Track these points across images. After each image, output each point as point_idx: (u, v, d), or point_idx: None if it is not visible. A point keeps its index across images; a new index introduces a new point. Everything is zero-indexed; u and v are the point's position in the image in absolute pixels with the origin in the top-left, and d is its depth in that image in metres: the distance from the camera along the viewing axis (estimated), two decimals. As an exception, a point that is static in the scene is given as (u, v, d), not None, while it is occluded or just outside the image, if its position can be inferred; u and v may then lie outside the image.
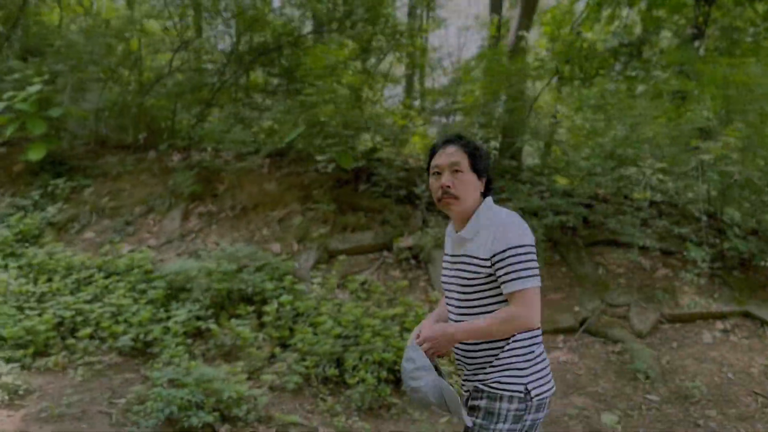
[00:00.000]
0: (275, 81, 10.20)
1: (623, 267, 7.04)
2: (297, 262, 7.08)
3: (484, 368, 2.35)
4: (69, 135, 9.42)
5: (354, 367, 5.38)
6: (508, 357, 2.31)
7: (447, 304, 2.53)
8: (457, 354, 2.48)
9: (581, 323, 6.33)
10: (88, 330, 5.94)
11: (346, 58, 7.94)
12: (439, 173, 2.40)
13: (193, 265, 6.56)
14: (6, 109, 8.25)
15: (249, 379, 5.41)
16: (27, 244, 7.57)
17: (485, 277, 2.30)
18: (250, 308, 6.22)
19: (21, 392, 5.13)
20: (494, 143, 7.30)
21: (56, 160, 9.05)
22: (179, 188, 8.58)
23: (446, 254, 2.56)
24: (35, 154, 8.30)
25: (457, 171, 2.36)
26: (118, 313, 6.21)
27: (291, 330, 6.03)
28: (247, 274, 6.51)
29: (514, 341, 2.31)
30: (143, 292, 6.63)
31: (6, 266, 7.09)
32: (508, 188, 7.18)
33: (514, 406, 2.28)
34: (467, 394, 2.44)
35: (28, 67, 8.54)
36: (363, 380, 5.23)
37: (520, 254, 2.23)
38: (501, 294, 2.30)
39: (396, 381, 5.47)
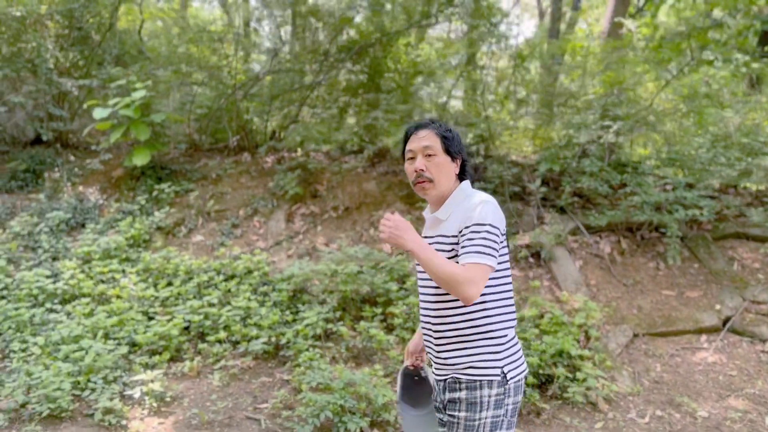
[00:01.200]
0: (360, 78, 10.07)
1: (758, 261, 6.68)
2: (411, 263, 6.95)
3: (457, 354, 2.35)
4: (167, 140, 9.50)
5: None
6: (482, 340, 2.31)
7: (420, 286, 2.50)
8: (427, 339, 2.47)
9: (725, 322, 6.02)
10: (221, 334, 5.92)
11: (454, 52, 7.77)
12: (412, 158, 2.45)
13: (312, 267, 6.49)
14: (110, 116, 8.35)
15: (389, 382, 5.30)
16: (139, 249, 7.64)
17: (455, 255, 2.29)
18: (376, 310, 6.11)
19: (167, 399, 5.13)
20: (611, 137, 7.00)
21: (156, 165, 9.14)
22: (280, 190, 8.56)
23: (422, 236, 2.52)
24: (140, 160, 8.37)
25: (430, 155, 2.40)
26: (246, 316, 6.18)
27: (422, 332, 5.89)
28: (368, 276, 6.40)
29: (488, 324, 2.31)
30: (265, 294, 6.60)
31: (123, 271, 7.16)
32: (630, 181, 6.88)
33: (494, 391, 2.28)
34: (442, 384, 2.42)
35: (127, 73, 8.63)
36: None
37: (483, 231, 2.22)
38: None
39: (540, 385, 5.29)
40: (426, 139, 2.42)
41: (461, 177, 2.49)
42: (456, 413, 2.32)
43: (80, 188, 9.12)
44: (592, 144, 7.31)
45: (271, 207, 8.47)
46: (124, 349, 5.63)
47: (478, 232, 2.22)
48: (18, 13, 8.75)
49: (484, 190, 7.67)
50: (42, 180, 9.22)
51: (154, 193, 8.58)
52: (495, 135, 7.98)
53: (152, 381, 5.21)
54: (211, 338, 5.96)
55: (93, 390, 5.07)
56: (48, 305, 6.44)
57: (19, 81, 8.83)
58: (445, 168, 2.41)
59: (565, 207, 7.38)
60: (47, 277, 6.93)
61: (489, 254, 2.20)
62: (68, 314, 6.40)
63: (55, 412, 4.76)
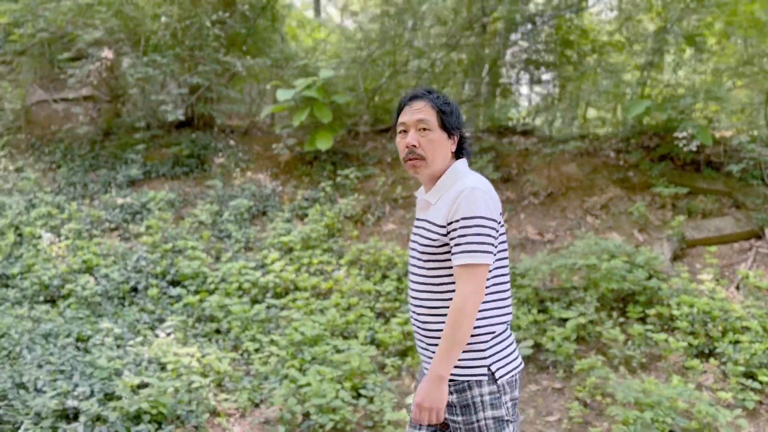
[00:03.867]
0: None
1: None
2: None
3: None
4: (348, 122, 8.95)
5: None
6: (468, 339, 2.11)
7: (409, 272, 2.32)
8: (415, 332, 2.29)
9: None
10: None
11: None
12: (405, 131, 2.22)
13: (559, 261, 5.78)
14: (293, 98, 7.82)
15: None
16: (336, 239, 7.10)
17: (441, 246, 2.12)
18: (648, 311, 5.37)
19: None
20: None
21: (329, 150, 8.59)
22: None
23: (416, 218, 2.36)
24: (323, 144, 7.82)
25: (424, 129, 2.18)
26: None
27: (708, 336, 5.14)
28: (622, 270, 5.66)
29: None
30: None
31: (334, 263, 6.60)
32: None
33: (485, 389, 2.14)
34: None
35: (304, 53, 8.09)
36: None
37: (473, 226, 2.04)
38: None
39: None
40: (421, 112, 2.18)
41: (458, 155, 2.27)
42: (454, 417, 2.18)
43: (249, 174, 8.67)
44: None
45: (462, 193, 7.81)
46: (372, 350, 5.06)
47: (469, 227, 2.04)
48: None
49: (714, 175, 6.81)
50: (208, 165, 8.80)
51: (338, 179, 8.02)
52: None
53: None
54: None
55: (367, 398, 4.51)
56: (265, 300, 5.96)
57: (190, 60, 8.40)
58: (440, 145, 2.19)
59: None
60: (253, 268, 6.46)
61: (484, 251, 2.04)
62: (281, 309, 5.91)
63: (339, 424, 4.21)
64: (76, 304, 5.86)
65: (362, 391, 4.53)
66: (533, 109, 8.81)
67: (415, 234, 2.29)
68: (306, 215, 7.62)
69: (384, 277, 6.35)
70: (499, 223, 2.15)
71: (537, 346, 5.26)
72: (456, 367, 2.13)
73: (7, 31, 8.61)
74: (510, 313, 2.25)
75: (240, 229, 7.37)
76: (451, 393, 2.15)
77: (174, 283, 6.35)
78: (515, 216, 7.36)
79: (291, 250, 6.87)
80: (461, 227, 2.04)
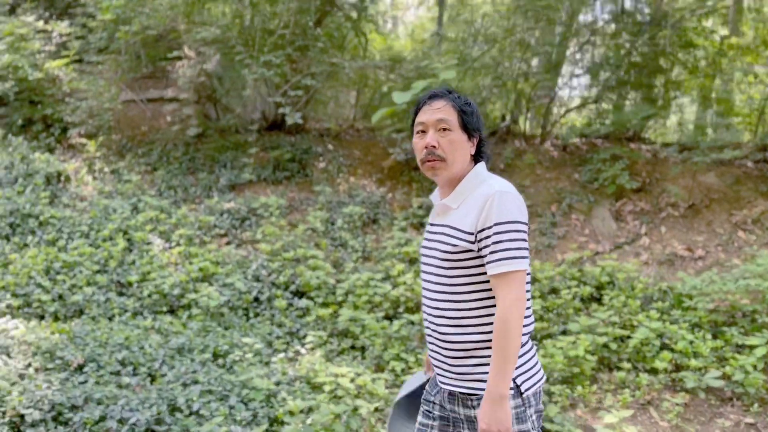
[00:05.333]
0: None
1: None
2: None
3: (462, 363, 2.06)
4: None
5: None
6: (488, 350, 2.01)
7: (423, 279, 2.19)
8: (430, 341, 2.16)
9: None
10: (625, 364, 4.76)
11: None
12: (423, 131, 2.12)
13: (741, 282, 5.17)
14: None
15: None
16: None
17: (467, 252, 2.00)
18: None
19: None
20: None
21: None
22: (594, 182, 7.33)
23: (428, 223, 2.25)
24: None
25: (444, 129, 2.07)
26: (655, 338, 4.97)
27: None
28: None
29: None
30: (663, 312, 5.37)
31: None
32: None
33: (511, 404, 2.00)
34: (447, 395, 2.14)
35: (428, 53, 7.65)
36: None
37: (508, 231, 1.93)
38: (483, 273, 2.00)
39: None
40: (441, 111, 2.09)
41: (476, 158, 2.17)
42: None
43: (352, 179, 8.25)
44: None
45: (588, 203, 7.25)
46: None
47: (504, 232, 1.94)
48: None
49: None
50: (309, 170, 8.41)
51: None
52: None
53: (615, 419, 4.08)
54: (624, 365, 4.80)
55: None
56: (398, 315, 5.50)
57: (300, 61, 8.03)
58: (460, 146, 2.09)
59: None
60: (380, 280, 6.01)
61: (521, 257, 1.95)
62: (416, 325, 5.43)
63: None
64: (201, 315, 5.49)
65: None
66: (653, 114, 8.22)
67: (431, 240, 2.15)
68: (422, 224, 7.15)
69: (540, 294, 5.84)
70: (527, 224, 2.05)
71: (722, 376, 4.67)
72: (480, 381, 2.05)
73: (111, 28, 8.37)
74: (533, 323, 2.16)
75: (355, 238, 6.94)
76: (474, 407, 2.06)
77: (298, 294, 5.94)
78: (655, 229, 6.77)
79: (414, 261, 6.41)
80: (495, 233, 1.95)
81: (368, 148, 8.87)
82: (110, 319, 5.46)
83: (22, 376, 4.16)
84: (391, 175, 8.30)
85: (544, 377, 2.14)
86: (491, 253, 1.95)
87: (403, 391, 2.54)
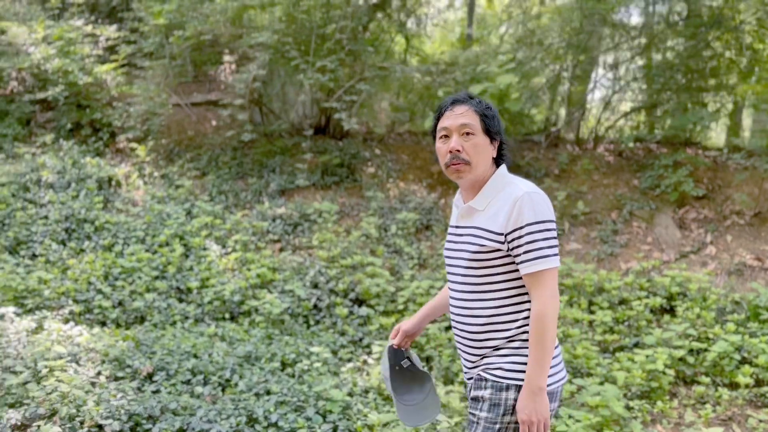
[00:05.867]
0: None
1: None
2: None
3: (488, 355, 2.10)
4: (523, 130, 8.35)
5: None
6: (516, 343, 2.07)
7: (449, 281, 2.24)
8: (459, 341, 2.20)
9: None
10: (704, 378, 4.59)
11: None
12: (447, 136, 2.14)
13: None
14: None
15: None
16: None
17: (495, 251, 2.04)
18: None
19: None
20: None
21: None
22: (655, 189, 7.14)
23: (451, 226, 2.27)
24: (495, 153, 7.22)
25: (468, 134, 2.11)
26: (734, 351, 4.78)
27: None
28: None
29: (522, 327, 2.06)
30: (740, 324, 5.18)
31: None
32: None
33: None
34: (470, 382, 2.17)
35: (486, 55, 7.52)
36: None
37: (541, 231, 1.98)
38: (511, 272, 2.04)
39: None
40: (464, 116, 2.11)
41: (497, 161, 2.19)
42: (477, 412, 2.08)
43: (401, 184, 8.16)
44: None
45: (649, 210, 7.06)
46: (613, 390, 4.38)
47: (537, 232, 1.97)
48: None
49: None
50: (358, 175, 8.34)
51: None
52: None
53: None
54: (702, 379, 4.62)
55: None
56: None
57: (352, 66, 7.95)
58: (484, 150, 2.11)
59: None
60: (441, 288, 5.90)
61: (554, 255, 1.99)
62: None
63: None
64: (263, 322, 5.42)
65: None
66: (713, 119, 7.99)
67: (457, 242, 2.18)
68: (478, 231, 7.03)
69: (590, 303, 5.67)
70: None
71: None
72: (501, 369, 2.07)
73: (163, 33, 8.38)
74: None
75: (410, 245, 6.84)
76: (485, 388, 2.08)
77: (358, 302, 5.85)
78: (720, 237, 6.56)
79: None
80: (528, 233, 1.98)
81: (416, 153, 8.77)
82: (172, 325, 5.42)
83: (93, 384, 4.12)
84: (441, 180, 8.18)
85: (566, 378, 2.19)
86: (525, 252, 2.00)
87: (385, 372, 2.50)
